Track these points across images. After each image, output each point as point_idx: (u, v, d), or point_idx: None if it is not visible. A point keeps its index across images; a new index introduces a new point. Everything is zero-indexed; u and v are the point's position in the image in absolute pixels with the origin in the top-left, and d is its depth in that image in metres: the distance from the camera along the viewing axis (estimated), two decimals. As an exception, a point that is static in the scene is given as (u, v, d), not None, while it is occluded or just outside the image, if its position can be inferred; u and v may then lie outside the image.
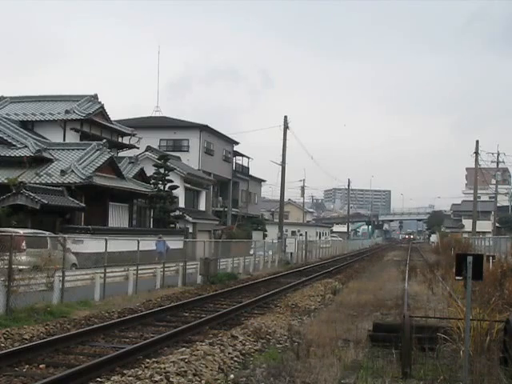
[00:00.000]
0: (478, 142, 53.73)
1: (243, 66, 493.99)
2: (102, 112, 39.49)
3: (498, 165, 67.52)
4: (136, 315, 13.84)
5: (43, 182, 29.57)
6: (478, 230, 55.84)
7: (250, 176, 67.37)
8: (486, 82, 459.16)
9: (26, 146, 31.32)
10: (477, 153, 53.55)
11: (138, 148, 43.81)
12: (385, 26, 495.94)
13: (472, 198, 59.74)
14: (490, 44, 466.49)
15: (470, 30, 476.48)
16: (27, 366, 8.80)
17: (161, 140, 52.72)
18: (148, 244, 24.09)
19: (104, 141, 35.03)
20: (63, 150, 33.13)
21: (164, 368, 8.12)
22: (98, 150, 33.02)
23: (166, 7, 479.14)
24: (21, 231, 19.42)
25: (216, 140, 56.55)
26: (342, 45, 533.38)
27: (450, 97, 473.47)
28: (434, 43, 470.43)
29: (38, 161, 31.28)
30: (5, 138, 31.98)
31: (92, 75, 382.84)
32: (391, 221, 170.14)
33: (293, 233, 65.17)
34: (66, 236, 17.26)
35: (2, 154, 31.13)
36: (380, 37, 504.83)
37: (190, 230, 43.18)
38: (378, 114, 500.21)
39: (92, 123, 37.92)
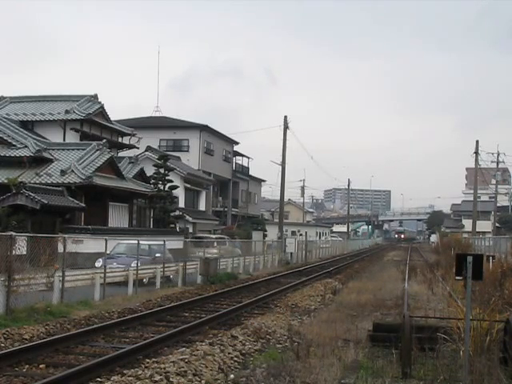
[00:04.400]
0: (477, 142, 53.77)
1: (246, 66, 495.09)
2: (101, 112, 39.50)
3: (497, 165, 67.56)
4: (136, 315, 13.85)
5: (43, 182, 29.57)
6: (477, 230, 55.83)
7: (250, 176, 67.38)
8: (488, 81, 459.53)
9: (25, 146, 31.33)
10: (477, 153, 53.55)
11: (138, 148, 43.82)
12: (389, 26, 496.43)
13: (472, 198, 59.74)
14: (495, 43, 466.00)
15: (477, 29, 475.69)
16: (27, 366, 8.81)
17: (161, 140, 52.74)
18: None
19: (104, 141, 35.03)
20: (63, 149, 33.13)
21: (164, 368, 8.12)
22: (97, 150, 33.03)
23: (168, 6, 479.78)
24: (213, 236, 37.96)
25: (216, 140, 56.57)
26: (345, 44, 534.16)
27: (451, 97, 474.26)
28: (438, 43, 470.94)
29: (38, 161, 31.29)
30: (5, 138, 31.99)
31: (92, 75, 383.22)
32: (391, 221, 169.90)
33: (293, 233, 65.15)
34: (65, 236, 17.25)
35: (2, 154, 31.14)
36: (384, 36, 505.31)
37: (190, 230, 43.20)
38: (379, 114, 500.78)
39: (92, 123, 37.93)
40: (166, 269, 22.12)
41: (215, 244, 33.23)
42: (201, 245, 30.08)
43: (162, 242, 23.44)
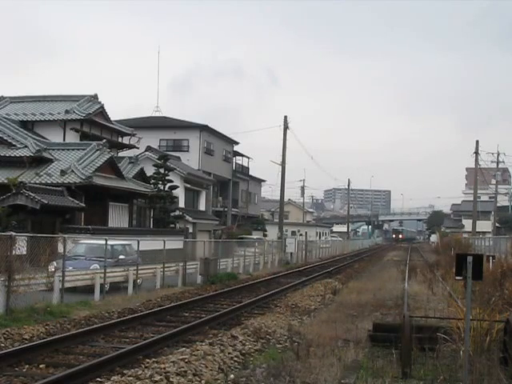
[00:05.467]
0: (477, 142, 53.86)
1: (247, 65, 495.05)
2: (102, 112, 39.50)
3: (497, 165, 67.59)
4: (136, 315, 13.85)
5: (43, 182, 29.56)
6: (477, 230, 55.85)
7: (250, 176, 67.38)
8: (490, 81, 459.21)
9: (25, 146, 31.32)
10: (477, 153, 53.60)
11: (137, 148, 43.82)
12: (390, 25, 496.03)
13: (472, 198, 59.75)
14: (497, 42, 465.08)
15: (479, 29, 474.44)
16: (27, 366, 8.80)
17: (161, 140, 52.76)
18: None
19: (104, 141, 35.02)
20: (63, 149, 33.12)
21: (164, 368, 8.12)
22: (97, 150, 33.02)
23: (169, 6, 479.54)
24: (254, 236, 44.82)
25: (216, 140, 56.58)
26: (346, 43, 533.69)
27: (452, 97, 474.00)
28: (439, 42, 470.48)
29: (38, 161, 31.28)
30: (5, 138, 31.98)
31: (93, 75, 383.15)
32: (391, 221, 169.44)
33: (293, 233, 65.15)
34: (66, 236, 17.26)
35: (2, 154, 31.13)
36: (385, 36, 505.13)
37: (190, 230, 43.20)
38: (379, 114, 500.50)
39: (92, 123, 37.93)
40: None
41: (256, 244, 39.72)
42: (243, 244, 35.12)
43: (129, 242, 21.28)
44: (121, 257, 20.73)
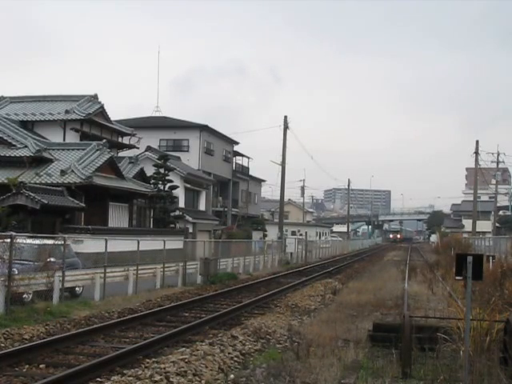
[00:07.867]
0: (477, 142, 53.90)
1: (249, 65, 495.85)
2: (102, 112, 39.48)
3: (497, 165, 67.55)
4: (136, 315, 13.84)
5: (43, 182, 29.56)
6: (477, 230, 55.83)
7: (250, 176, 67.35)
8: (492, 81, 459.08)
9: (25, 146, 31.31)
10: (477, 153, 53.60)
11: (138, 148, 43.82)
12: (393, 25, 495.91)
13: (472, 198, 59.73)
14: (500, 43, 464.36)
15: (482, 29, 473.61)
16: (27, 366, 8.80)
17: (161, 140, 52.74)
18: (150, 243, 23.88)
19: (104, 141, 35.02)
20: (63, 149, 33.12)
21: (164, 368, 8.12)
22: (97, 150, 33.02)
23: (170, 5, 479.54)
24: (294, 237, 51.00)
25: (216, 140, 56.57)
26: (348, 43, 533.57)
27: (453, 97, 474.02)
28: (441, 42, 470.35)
29: (38, 161, 31.27)
30: (5, 137, 31.97)
31: (93, 75, 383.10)
32: (391, 221, 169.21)
33: (293, 233, 65.11)
34: (65, 236, 17.24)
35: (2, 154, 31.13)
36: (387, 36, 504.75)
37: (190, 230, 43.19)
38: (380, 114, 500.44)
39: (92, 123, 37.92)
40: (66, 277, 16.12)
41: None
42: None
43: (61, 242, 16.77)
44: (51, 259, 16.45)
